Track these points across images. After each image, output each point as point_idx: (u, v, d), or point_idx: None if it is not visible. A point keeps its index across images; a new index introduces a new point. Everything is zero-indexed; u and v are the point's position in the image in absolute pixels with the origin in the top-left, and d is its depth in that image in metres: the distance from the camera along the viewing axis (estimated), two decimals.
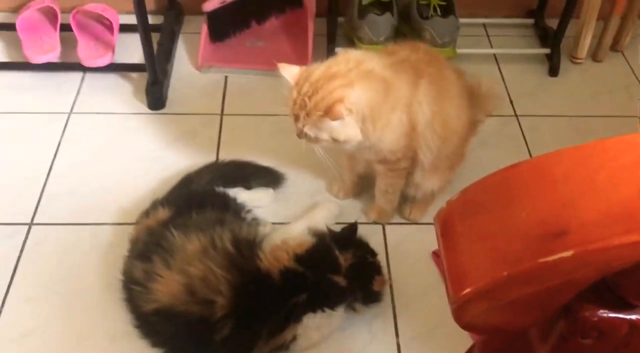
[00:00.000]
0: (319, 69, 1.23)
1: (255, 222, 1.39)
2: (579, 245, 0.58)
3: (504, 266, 0.60)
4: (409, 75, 1.27)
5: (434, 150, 1.32)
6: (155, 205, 1.38)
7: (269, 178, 1.54)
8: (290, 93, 1.24)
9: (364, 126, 1.22)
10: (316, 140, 1.24)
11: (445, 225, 0.69)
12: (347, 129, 1.21)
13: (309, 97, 1.20)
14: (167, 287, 1.18)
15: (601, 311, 0.67)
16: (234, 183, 1.46)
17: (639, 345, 0.70)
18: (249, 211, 1.41)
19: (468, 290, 0.62)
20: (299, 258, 1.22)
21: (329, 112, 1.17)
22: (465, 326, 0.66)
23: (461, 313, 0.64)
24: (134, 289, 1.23)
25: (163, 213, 1.34)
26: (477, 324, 0.66)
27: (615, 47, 2.00)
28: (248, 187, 1.49)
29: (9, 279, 1.33)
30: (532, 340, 0.71)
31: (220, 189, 1.42)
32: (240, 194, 1.44)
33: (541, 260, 0.59)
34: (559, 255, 0.58)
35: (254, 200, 1.47)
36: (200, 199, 1.36)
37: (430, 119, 1.28)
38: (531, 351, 0.72)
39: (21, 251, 1.39)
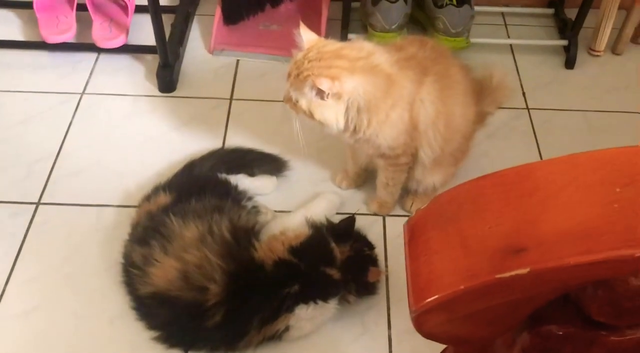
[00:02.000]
0: (333, 45, 1.24)
1: (255, 210, 1.40)
2: (536, 263, 0.58)
3: (461, 279, 0.60)
4: (415, 73, 1.26)
5: (436, 149, 1.32)
6: (157, 190, 1.40)
7: (273, 165, 1.55)
8: (296, 55, 1.24)
9: (358, 118, 1.22)
10: (295, 107, 1.24)
11: (412, 234, 0.69)
12: (325, 111, 1.21)
13: (309, 61, 1.21)
14: (164, 272, 1.21)
15: (565, 326, 0.66)
16: (237, 170, 1.48)
17: None
18: (250, 198, 1.42)
19: (426, 301, 0.62)
20: (293, 250, 1.23)
21: (314, 78, 1.16)
22: (426, 335, 0.66)
23: (421, 323, 0.64)
24: (132, 272, 1.26)
25: (164, 199, 1.36)
26: (438, 334, 0.67)
27: (636, 39, 1.95)
28: (251, 174, 1.50)
29: (14, 257, 1.37)
30: (497, 350, 0.72)
31: (223, 176, 1.43)
32: (243, 181, 1.45)
33: (497, 276, 0.58)
34: (515, 272, 0.58)
35: (257, 187, 1.49)
36: (201, 185, 1.37)
37: (434, 118, 1.28)
38: None
39: (27, 230, 1.42)
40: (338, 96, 1.19)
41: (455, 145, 1.36)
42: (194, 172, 1.47)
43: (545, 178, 0.63)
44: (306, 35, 1.25)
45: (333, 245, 1.26)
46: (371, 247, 1.33)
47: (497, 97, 1.48)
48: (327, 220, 1.35)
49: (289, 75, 1.23)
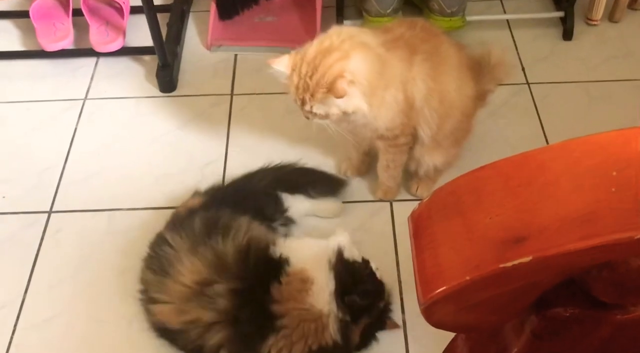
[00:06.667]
0: (312, 48, 1.23)
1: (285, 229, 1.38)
2: (537, 251, 0.59)
3: (466, 271, 0.62)
4: (403, 52, 1.27)
5: (433, 127, 1.33)
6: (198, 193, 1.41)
7: (329, 186, 1.50)
8: (290, 80, 1.24)
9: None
10: (327, 116, 1.24)
11: (417, 226, 0.70)
12: (354, 100, 1.21)
13: (310, 77, 1.21)
14: (164, 315, 1.21)
15: (571, 307, 0.68)
16: (294, 190, 1.45)
17: (619, 342, 0.71)
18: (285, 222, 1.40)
19: (434, 293, 0.63)
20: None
21: (332, 90, 1.18)
22: (436, 325, 0.68)
23: (430, 314, 0.66)
24: (142, 298, 1.27)
25: (192, 201, 1.37)
26: (447, 323, 0.68)
27: (633, 5, 1.94)
28: (309, 196, 1.47)
29: (30, 267, 1.39)
30: (507, 334, 0.73)
31: (278, 193, 1.41)
32: (302, 203, 1.44)
33: (501, 265, 0.60)
34: (518, 261, 0.59)
35: (321, 210, 1.47)
36: (234, 200, 1.35)
37: (427, 96, 1.29)
38: (508, 344, 0.74)
39: (42, 239, 1.45)
40: (352, 82, 1.19)
41: (454, 123, 1.37)
42: (247, 184, 1.44)
43: (542, 167, 0.64)
44: (280, 64, 1.24)
45: (354, 337, 1.19)
46: (383, 294, 1.25)
47: (496, 74, 1.48)
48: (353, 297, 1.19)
49: (303, 100, 1.22)
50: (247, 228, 1.25)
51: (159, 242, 1.27)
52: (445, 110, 1.32)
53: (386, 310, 1.26)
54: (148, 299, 1.24)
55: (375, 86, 1.23)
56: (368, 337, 1.23)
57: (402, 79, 1.26)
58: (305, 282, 1.18)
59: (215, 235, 1.22)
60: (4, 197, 1.53)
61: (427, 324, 0.70)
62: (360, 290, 1.18)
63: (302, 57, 1.22)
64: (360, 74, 1.20)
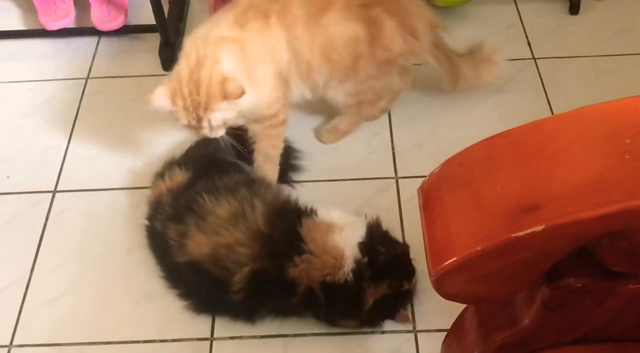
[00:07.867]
0: (182, 68, 1.25)
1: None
2: (550, 220, 0.58)
3: (478, 241, 0.61)
4: (257, 23, 1.27)
5: (302, 86, 1.36)
6: (171, 166, 1.40)
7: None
8: (175, 106, 1.24)
9: None
10: (225, 122, 1.25)
11: (427, 198, 0.70)
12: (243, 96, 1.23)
13: (197, 93, 1.21)
14: (198, 245, 1.22)
15: (583, 277, 0.67)
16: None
17: (631, 312, 0.70)
18: None
19: (445, 264, 0.63)
20: (325, 285, 1.19)
21: (228, 95, 1.20)
22: (446, 296, 0.67)
23: (441, 286, 0.65)
24: (169, 242, 1.26)
25: (181, 176, 1.36)
26: (458, 294, 0.68)
27: None
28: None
29: (36, 247, 1.39)
30: (518, 305, 0.73)
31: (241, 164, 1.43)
32: None
33: (513, 235, 0.59)
34: (530, 230, 0.58)
35: None
36: (221, 165, 1.37)
37: (290, 59, 1.30)
38: (519, 315, 0.74)
39: (46, 219, 1.44)
40: (234, 80, 1.22)
41: (335, 66, 1.35)
42: (209, 149, 1.44)
43: (553, 135, 0.64)
44: (157, 98, 1.26)
45: (367, 296, 1.21)
46: (411, 276, 1.27)
47: (481, 71, 1.49)
48: (377, 248, 1.23)
49: (199, 118, 1.23)
50: (287, 195, 1.34)
51: (192, 200, 1.28)
52: (306, 71, 1.33)
53: (406, 297, 1.26)
54: (182, 237, 1.24)
55: (245, 71, 1.24)
56: (379, 311, 1.23)
57: (268, 49, 1.28)
58: (331, 226, 1.23)
59: (260, 186, 1.30)
60: (8, 177, 1.53)
61: (435, 299, 0.69)
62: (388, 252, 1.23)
63: (178, 81, 1.23)
64: (232, 69, 1.22)
